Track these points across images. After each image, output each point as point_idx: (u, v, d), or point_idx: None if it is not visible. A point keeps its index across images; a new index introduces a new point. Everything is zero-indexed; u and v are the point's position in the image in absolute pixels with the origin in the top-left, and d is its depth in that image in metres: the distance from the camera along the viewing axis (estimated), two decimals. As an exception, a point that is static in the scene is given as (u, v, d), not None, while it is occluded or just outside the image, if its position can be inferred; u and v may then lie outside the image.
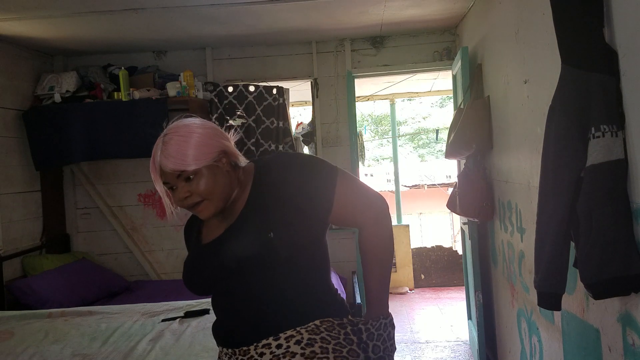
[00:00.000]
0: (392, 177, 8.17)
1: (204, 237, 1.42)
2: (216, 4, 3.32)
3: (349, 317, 1.35)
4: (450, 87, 4.72)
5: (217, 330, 1.39)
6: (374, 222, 1.36)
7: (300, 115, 8.38)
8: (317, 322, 1.29)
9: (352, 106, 4.47)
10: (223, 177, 1.31)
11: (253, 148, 4.28)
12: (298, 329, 1.27)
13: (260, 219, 1.29)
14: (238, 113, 4.29)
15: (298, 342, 1.26)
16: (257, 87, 4.33)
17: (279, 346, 1.26)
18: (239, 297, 1.31)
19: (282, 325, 1.27)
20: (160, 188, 1.31)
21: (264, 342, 1.27)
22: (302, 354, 1.25)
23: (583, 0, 1.53)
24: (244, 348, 1.29)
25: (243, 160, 1.38)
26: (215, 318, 1.42)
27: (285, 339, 1.26)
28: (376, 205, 1.37)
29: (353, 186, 1.37)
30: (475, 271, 3.55)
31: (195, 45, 4.42)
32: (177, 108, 3.95)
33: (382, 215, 1.37)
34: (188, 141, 1.27)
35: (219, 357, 1.41)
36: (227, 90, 4.30)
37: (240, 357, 1.30)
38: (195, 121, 1.33)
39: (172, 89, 3.97)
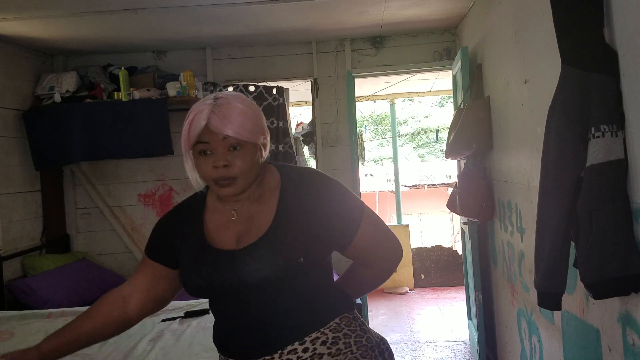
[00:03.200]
0: (392, 177, 8.16)
1: (214, 238, 1.33)
2: (216, 4, 3.32)
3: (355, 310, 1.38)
4: (450, 87, 4.72)
5: (225, 341, 1.32)
6: (386, 267, 1.42)
7: (300, 115, 8.38)
8: (337, 319, 1.29)
9: (352, 106, 4.46)
10: (257, 162, 1.29)
11: (253, 148, 4.28)
12: (322, 329, 1.26)
13: (290, 242, 1.25)
14: (238, 113, 4.29)
15: (324, 343, 1.25)
16: (257, 87, 4.33)
17: (305, 350, 1.24)
18: (256, 308, 1.26)
19: (305, 329, 1.25)
20: (190, 165, 1.28)
21: (289, 348, 1.23)
22: (329, 354, 1.24)
23: (583, 0, 1.53)
24: (267, 358, 1.24)
25: (266, 151, 1.34)
26: (214, 323, 1.36)
27: (311, 341, 1.25)
28: (394, 255, 1.40)
29: (374, 230, 1.36)
30: (475, 271, 3.55)
31: (195, 45, 4.42)
32: (177, 108, 3.94)
33: (393, 264, 1.41)
34: (247, 112, 1.25)
35: None
36: (227, 90, 4.29)
37: None
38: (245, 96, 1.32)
39: (172, 89, 3.96)
